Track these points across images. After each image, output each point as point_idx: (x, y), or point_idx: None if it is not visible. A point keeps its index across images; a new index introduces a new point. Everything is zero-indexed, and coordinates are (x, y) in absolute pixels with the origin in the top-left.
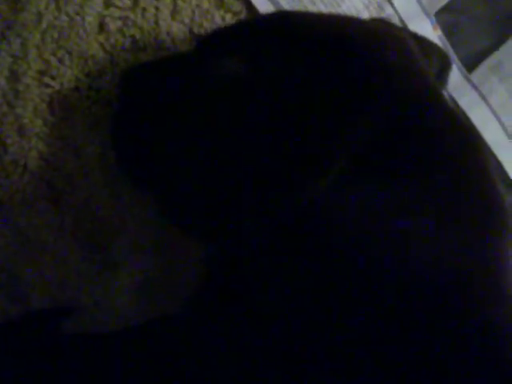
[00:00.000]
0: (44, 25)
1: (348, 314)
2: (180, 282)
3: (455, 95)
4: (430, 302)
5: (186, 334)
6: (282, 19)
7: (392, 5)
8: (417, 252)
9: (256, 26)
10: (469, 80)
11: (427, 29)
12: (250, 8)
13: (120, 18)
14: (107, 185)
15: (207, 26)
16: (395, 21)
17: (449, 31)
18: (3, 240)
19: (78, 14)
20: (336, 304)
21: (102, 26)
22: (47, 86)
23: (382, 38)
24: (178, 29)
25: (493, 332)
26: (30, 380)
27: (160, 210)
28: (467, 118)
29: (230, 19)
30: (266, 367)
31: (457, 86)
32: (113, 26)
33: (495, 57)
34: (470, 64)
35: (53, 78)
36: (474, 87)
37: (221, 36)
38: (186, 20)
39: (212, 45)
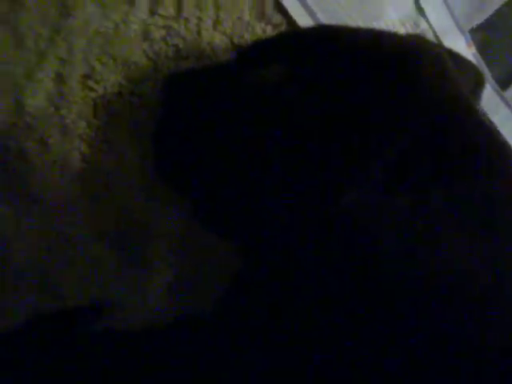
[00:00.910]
0: (91, 31)
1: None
2: (209, 283)
3: (488, 112)
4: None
5: (213, 334)
6: (323, 32)
7: (427, 21)
8: (447, 262)
9: (297, 37)
10: (502, 97)
11: (462, 46)
12: (290, 21)
13: (164, 27)
14: (145, 188)
15: (248, 38)
16: (430, 37)
17: (483, 49)
18: (40, 238)
19: (123, 21)
20: (372, 314)
21: (146, 34)
22: (91, 89)
23: (418, 53)
24: (219, 39)
25: None
26: (62, 374)
27: (196, 216)
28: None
29: (270, 31)
30: (294, 371)
31: (490, 103)
32: (156, 34)
33: None
34: (504, 82)
35: (97, 82)
36: (508, 105)
37: (262, 46)
38: (228, 31)
39: (253, 55)
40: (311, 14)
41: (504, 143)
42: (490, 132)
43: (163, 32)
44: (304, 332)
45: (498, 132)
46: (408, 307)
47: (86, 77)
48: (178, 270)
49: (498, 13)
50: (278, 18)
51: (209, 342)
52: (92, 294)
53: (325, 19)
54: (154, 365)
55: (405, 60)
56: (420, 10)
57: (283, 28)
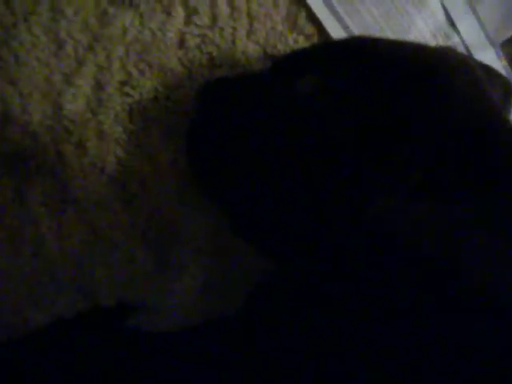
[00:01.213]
0: (128, 39)
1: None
2: (237, 288)
3: None
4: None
5: (242, 334)
6: (358, 43)
7: (458, 34)
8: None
9: (331, 49)
10: None
11: (492, 58)
12: (323, 32)
13: (199, 36)
14: (177, 191)
15: (280, 48)
16: (461, 49)
17: None
18: (78, 237)
19: (159, 29)
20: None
21: (181, 42)
22: (128, 95)
23: (451, 64)
24: (252, 49)
25: None
26: (92, 369)
27: (229, 223)
28: None
29: (302, 41)
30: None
31: None
32: (192, 42)
33: None
34: None
35: (133, 88)
36: None
37: (296, 57)
38: (261, 41)
39: (287, 65)
40: (343, 25)
41: None
42: None
43: (198, 40)
44: (328, 339)
45: None
46: (435, 315)
47: (123, 83)
48: (208, 274)
49: None
50: (310, 29)
51: (234, 344)
52: (123, 295)
53: (357, 30)
54: (182, 365)
55: (438, 71)
56: (451, 23)
57: (315, 39)
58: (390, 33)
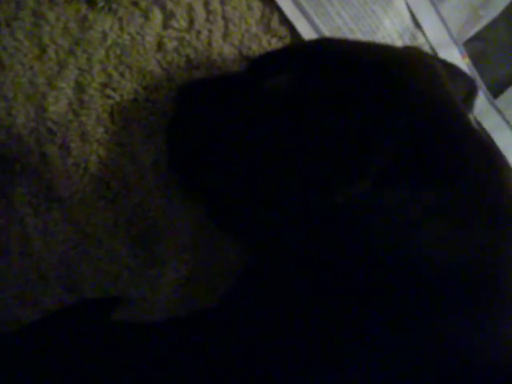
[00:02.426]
0: (108, 42)
1: (379, 308)
2: (220, 278)
3: (480, 119)
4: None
5: (225, 325)
6: (326, 44)
7: (424, 34)
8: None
9: (303, 49)
10: (494, 105)
11: (456, 57)
12: (295, 34)
13: (176, 39)
14: (159, 189)
15: (255, 49)
16: (426, 49)
17: (476, 59)
18: (63, 235)
19: (138, 33)
20: (369, 299)
21: (159, 45)
22: (109, 97)
23: (413, 64)
24: (228, 50)
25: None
26: (80, 361)
27: (208, 215)
28: (492, 141)
29: (275, 43)
30: (299, 363)
31: (482, 111)
32: (170, 45)
33: None
34: (496, 90)
35: (114, 89)
36: (499, 112)
37: (272, 57)
38: (236, 42)
39: (263, 65)
40: (315, 27)
41: (492, 150)
42: (479, 139)
43: (176, 43)
44: (308, 328)
45: (488, 139)
46: (402, 300)
47: (104, 85)
48: (191, 268)
49: (490, 25)
50: (283, 31)
51: (216, 336)
52: (108, 289)
53: (327, 32)
54: (165, 357)
55: (398, 67)
56: (416, 23)
57: (288, 40)
58: (359, 34)
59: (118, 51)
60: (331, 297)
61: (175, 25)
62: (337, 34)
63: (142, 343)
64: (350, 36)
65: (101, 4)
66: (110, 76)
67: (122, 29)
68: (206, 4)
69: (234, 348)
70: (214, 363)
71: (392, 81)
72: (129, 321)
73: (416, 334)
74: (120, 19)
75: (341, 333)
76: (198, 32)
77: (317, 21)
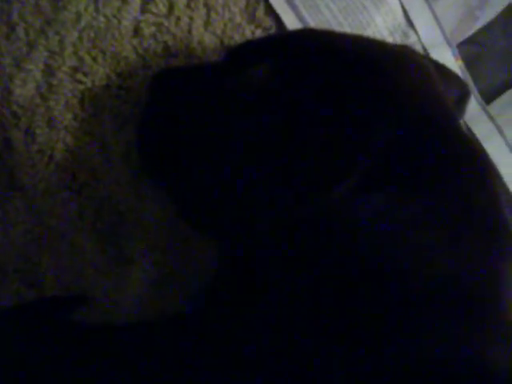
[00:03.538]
0: (82, 24)
1: (357, 308)
2: (191, 280)
3: (471, 125)
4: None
5: (198, 331)
6: (310, 35)
7: (416, 32)
8: (423, 262)
9: (285, 39)
10: (486, 111)
11: (449, 58)
12: (281, 26)
13: (154, 24)
14: (129, 182)
15: (238, 39)
16: (418, 48)
17: (470, 63)
18: (24, 226)
19: (114, 16)
20: (346, 303)
21: (136, 30)
22: (80, 82)
23: (403, 61)
24: (209, 39)
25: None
26: (37, 362)
27: (178, 210)
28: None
29: (259, 34)
30: (276, 365)
31: (474, 116)
32: (147, 30)
33: None
34: (489, 96)
35: (85, 74)
36: (491, 119)
37: (251, 47)
38: (218, 32)
39: (242, 54)
40: (302, 19)
41: (483, 158)
42: (470, 145)
43: (153, 29)
44: (287, 326)
45: (478, 143)
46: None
47: (75, 69)
48: (161, 268)
49: (486, 28)
50: (268, 22)
51: (190, 340)
52: (72, 285)
53: (315, 25)
54: (131, 361)
55: (389, 65)
56: (409, 21)
57: (272, 31)
58: (348, 28)
59: (92, 34)
60: (307, 298)
61: (154, 9)
62: (324, 28)
63: (103, 347)
64: (339, 30)
65: None
66: (81, 60)
67: (97, 10)
68: None
69: (204, 355)
70: (183, 370)
71: (382, 79)
72: (91, 322)
73: (395, 348)
74: (96, 0)
75: (315, 337)
76: (178, 18)
77: (304, 12)
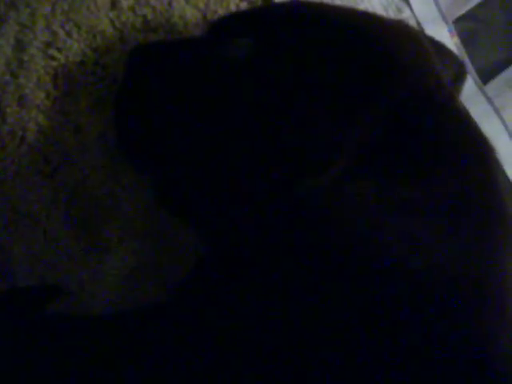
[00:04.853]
0: None
1: (341, 301)
2: (170, 269)
3: (467, 105)
4: (425, 305)
5: (175, 321)
6: (298, 7)
7: (410, 7)
8: (413, 251)
9: (271, 11)
10: (483, 91)
11: (444, 35)
12: None
13: None
14: (105, 165)
15: (222, 13)
16: (412, 23)
17: (466, 40)
18: None
19: None
20: (330, 295)
21: (114, 3)
22: (52, 58)
23: (399, 36)
24: (191, 13)
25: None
26: (9, 355)
27: (156, 195)
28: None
29: (245, 7)
30: (254, 358)
31: (470, 97)
32: (125, 3)
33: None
34: (486, 76)
35: (59, 50)
36: (488, 99)
37: (235, 19)
38: (201, 5)
39: (226, 28)
40: None
41: (482, 139)
42: (468, 125)
43: (132, 1)
44: (264, 318)
45: (476, 125)
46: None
47: (48, 44)
48: (139, 257)
49: (483, 4)
50: None
51: (169, 330)
52: (44, 275)
53: None
54: (109, 352)
55: (383, 43)
56: None
57: (259, 4)
58: (339, 3)
59: (66, 7)
60: (289, 288)
61: None
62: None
63: (78, 339)
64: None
65: None
66: (54, 34)
67: None
68: None
69: (183, 346)
70: (160, 362)
71: (377, 52)
72: (65, 313)
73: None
74: None
75: (301, 326)
76: None
77: None
